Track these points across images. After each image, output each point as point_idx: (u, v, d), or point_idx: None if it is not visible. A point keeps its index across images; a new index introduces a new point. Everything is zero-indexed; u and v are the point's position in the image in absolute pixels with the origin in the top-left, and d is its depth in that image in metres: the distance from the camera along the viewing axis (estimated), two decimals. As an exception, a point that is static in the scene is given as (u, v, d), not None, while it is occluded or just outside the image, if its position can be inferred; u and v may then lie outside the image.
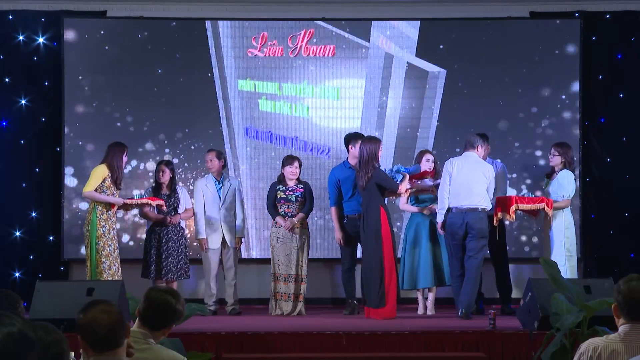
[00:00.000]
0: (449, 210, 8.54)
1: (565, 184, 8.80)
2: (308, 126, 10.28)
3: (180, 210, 9.16)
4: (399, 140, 10.22)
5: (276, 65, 10.24)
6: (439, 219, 8.64)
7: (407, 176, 8.64)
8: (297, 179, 9.12)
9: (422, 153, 9.18)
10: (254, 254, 10.09)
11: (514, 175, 10.08)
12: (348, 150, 9.16)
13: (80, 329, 3.24)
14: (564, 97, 10.26)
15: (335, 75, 10.27)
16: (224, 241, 9.18)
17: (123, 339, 3.28)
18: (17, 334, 2.36)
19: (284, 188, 9.06)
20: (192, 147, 10.14)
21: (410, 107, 10.22)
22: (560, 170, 8.87)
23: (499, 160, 9.30)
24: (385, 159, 9.76)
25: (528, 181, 10.16)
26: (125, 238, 9.99)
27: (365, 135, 9.06)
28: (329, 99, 10.28)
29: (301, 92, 10.26)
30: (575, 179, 8.97)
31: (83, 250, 9.65)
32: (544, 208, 8.60)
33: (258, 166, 10.21)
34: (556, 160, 8.90)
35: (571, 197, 8.88)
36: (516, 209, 8.60)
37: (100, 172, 8.67)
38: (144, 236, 9.52)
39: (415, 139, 10.19)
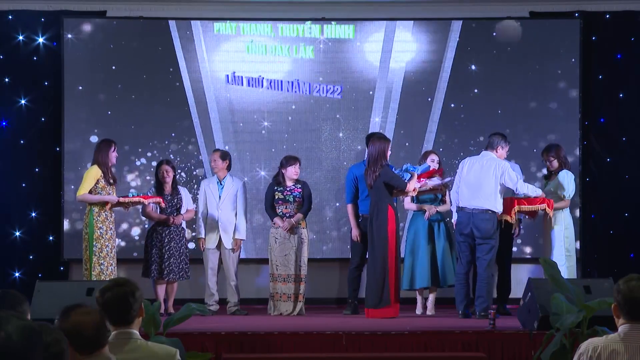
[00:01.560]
0: (460, 209, 8.58)
1: (565, 185, 8.82)
2: (313, 68, 10.16)
3: (182, 210, 9.15)
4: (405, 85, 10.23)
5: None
6: (454, 218, 8.75)
7: (416, 175, 8.64)
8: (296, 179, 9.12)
9: (427, 153, 9.19)
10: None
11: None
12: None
13: (65, 334, 3.23)
14: (563, 97, 10.26)
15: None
16: (220, 242, 9.16)
17: (107, 337, 3.30)
18: (28, 327, 2.38)
19: (281, 189, 9.05)
20: (189, 144, 10.14)
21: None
22: (560, 171, 8.89)
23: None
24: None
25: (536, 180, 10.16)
26: (127, 237, 10.00)
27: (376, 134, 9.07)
28: (341, 38, 10.17)
29: (304, 32, 10.17)
30: (574, 179, 8.97)
31: (82, 250, 9.68)
32: (545, 209, 8.61)
33: (241, 119, 10.13)
34: (554, 164, 8.97)
35: (571, 197, 8.89)
36: (517, 210, 8.61)
37: (92, 174, 8.66)
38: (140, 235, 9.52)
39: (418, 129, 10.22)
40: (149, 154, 10.11)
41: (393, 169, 8.72)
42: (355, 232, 9.05)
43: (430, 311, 8.95)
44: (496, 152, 8.63)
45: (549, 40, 10.25)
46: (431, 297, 8.98)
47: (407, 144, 10.22)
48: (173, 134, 10.14)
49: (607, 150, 10.29)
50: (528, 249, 10.21)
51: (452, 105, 10.23)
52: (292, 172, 9.03)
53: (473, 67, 10.24)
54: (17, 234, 10.01)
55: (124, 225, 10.00)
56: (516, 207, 8.57)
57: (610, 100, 10.29)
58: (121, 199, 8.72)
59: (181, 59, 10.11)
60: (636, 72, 10.24)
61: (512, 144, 10.09)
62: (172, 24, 10.13)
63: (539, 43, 10.26)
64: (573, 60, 10.23)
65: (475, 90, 10.24)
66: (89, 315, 3.24)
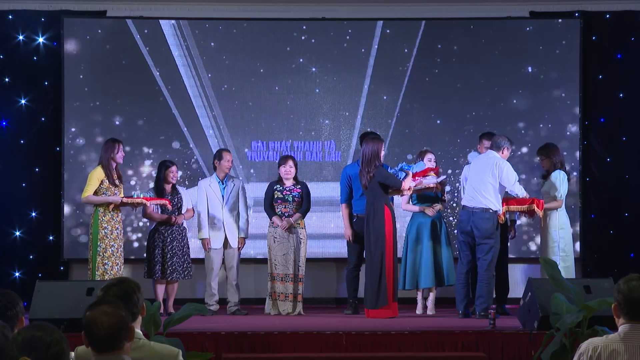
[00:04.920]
0: (463, 207, 8.60)
1: (557, 185, 8.80)
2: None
3: (183, 210, 9.14)
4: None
5: None
6: None
7: (411, 174, 8.63)
8: (295, 178, 9.11)
9: (424, 153, 9.17)
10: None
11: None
12: None
13: (83, 326, 3.24)
14: (563, 97, 10.26)
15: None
16: (226, 241, 9.17)
17: (124, 341, 3.26)
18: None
19: (281, 188, 9.05)
20: (192, 145, 10.16)
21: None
22: (553, 171, 8.88)
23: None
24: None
25: (528, 181, 10.16)
26: (127, 238, 10.00)
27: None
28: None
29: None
30: (568, 179, 8.94)
31: (83, 250, 9.68)
32: (534, 209, 8.58)
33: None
34: (545, 164, 8.97)
35: (563, 197, 8.86)
36: (506, 210, 8.60)
37: (95, 175, 8.66)
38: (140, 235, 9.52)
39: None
40: (148, 154, 10.11)
41: (388, 169, 8.72)
42: (347, 232, 9.04)
43: (430, 311, 8.94)
44: (502, 153, 8.61)
45: (549, 40, 10.26)
46: (431, 297, 8.98)
47: (412, 151, 10.24)
48: (173, 134, 10.14)
49: (607, 150, 10.28)
50: (525, 249, 10.21)
51: (451, 104, 10.23)
52: (282, 171, 9.05)
53: (473, 66, 10.24)
54: (17, 234, 10.01)
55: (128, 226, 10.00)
56: (504, 207, 8.56)
57: (610, 100, 10.29)
58: (124, 200, 8.71)
59: (181, 58, 10.14)
60: (636, 72, 10.24)
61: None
62: (172, 23, 10.14)
63: (539, 43, 10.26)
64: (573, 60, 10.23)
65: (474, 91, 10.23)
66: (107, 316, 3.21)
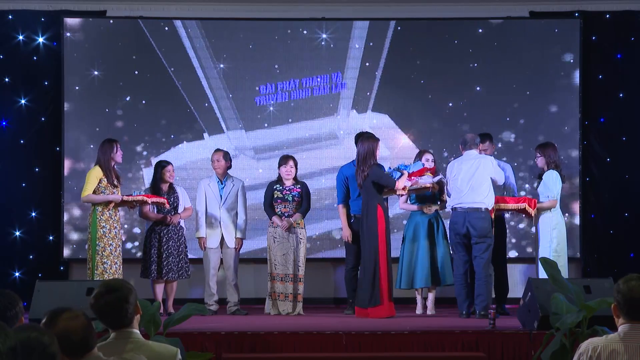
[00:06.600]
0: (453, 209, 8.57)
1: (550, 185, 8.78)
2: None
3: (180, 209, 9.15)
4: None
5: None
6: None
7: (406, 173, 8.62)
8: (294, 178, 9.11)
9: (422, 153, 9.16)
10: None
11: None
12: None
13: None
14: (563, 97, 10.26)
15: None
16: (222, 241, 9.17)
17: (95, 339, 3.29)
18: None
19: (281, 188, 9.05)
20: (190, 145, 10.16)
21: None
22: (547, 171, 8.87)
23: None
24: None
25: (527, 181, 10.17)
26: (125, 237, 10.00)
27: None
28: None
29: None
30: (562, 180, 8.93)
31: (83, 250, 9.68)
32: (525, 208, 8.57)
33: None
34: (540, 161, 8.95)
35: (556, 197, 8.85)
36: (497, 209, 8.60)
37: (94, 175, 8.64)
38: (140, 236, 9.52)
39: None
40: (149, 153, 10.12)
41: (389, 169, 8.72)
42: (345, 233, 9.04)
43: (430, 311, 8.94)
44: (478, 149, 8.65)
45: (549, 40, 10.26)
46: (431, 297, 8.97)
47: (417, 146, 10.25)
48: (173, 134, 10.15)
49: (607, 150, 10.29)
50: (522, 249, 10.20)
51: (452, 104, 10.24)
52: (283, 171, 9.05)
53: (473, 66, 10.24)
54: (17, 234, 10.01)
55: (126, 225, 10.00)
56: (495, 206, 8.56)
57: (610, 100, 10.30)
58: (125, 198, 8.70)
59: (185, 58, 10.14)
60: (636, 72, 10.25)
61: (511, 144, 10.15)
62: (171, 23, 10.14)
63: (539, 43, 10.26)
64: (573, 60, 10.24)
65: (477, 89, 10.24)
66: (77, 319, 3.23)
